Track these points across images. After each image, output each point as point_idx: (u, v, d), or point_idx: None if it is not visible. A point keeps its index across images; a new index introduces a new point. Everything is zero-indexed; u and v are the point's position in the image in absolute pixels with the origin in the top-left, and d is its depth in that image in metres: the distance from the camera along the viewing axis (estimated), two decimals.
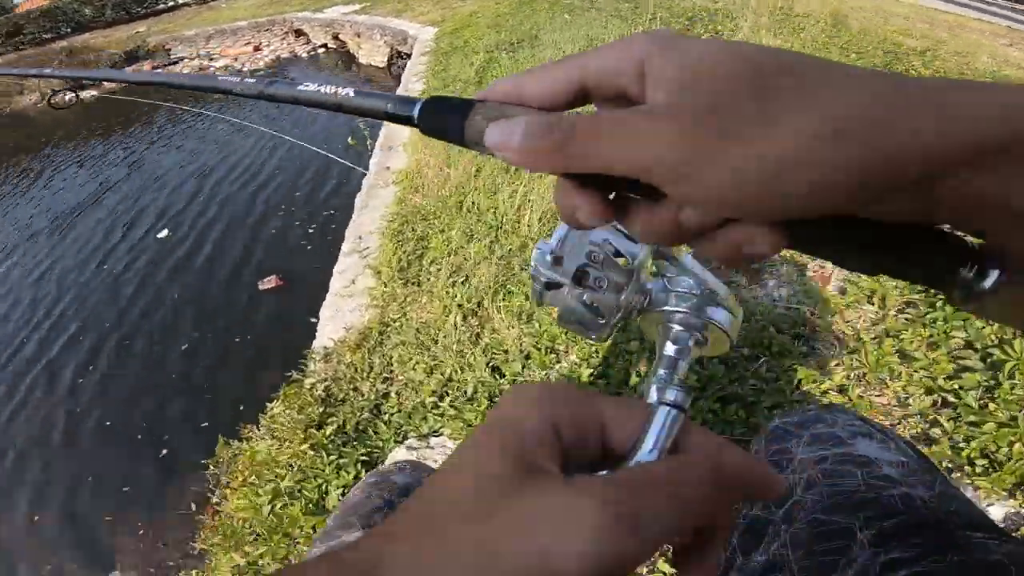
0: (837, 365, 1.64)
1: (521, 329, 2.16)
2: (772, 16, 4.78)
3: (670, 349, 0.33)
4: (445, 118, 0.26)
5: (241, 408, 3.51)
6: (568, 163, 0.22)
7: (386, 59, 9.44)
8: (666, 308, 0.35)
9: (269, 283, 4.53)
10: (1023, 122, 0.17)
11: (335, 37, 11.69)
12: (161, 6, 17.90)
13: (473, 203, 2.97)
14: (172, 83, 0.69)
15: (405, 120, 0.28)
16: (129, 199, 7.11)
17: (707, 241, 0.23)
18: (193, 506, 3.09)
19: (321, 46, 12.29)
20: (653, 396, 0.30)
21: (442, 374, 2.10)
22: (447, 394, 2.01)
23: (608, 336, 0.37)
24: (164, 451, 3.57)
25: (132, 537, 3.23)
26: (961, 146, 0.17)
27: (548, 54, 5.12)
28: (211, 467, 3.06)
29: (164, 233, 5.84)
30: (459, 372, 2.07)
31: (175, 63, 13.86)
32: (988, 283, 0.21)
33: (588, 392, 0.26)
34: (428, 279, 2.66)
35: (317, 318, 3.82)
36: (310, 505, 1.79)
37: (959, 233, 0.22)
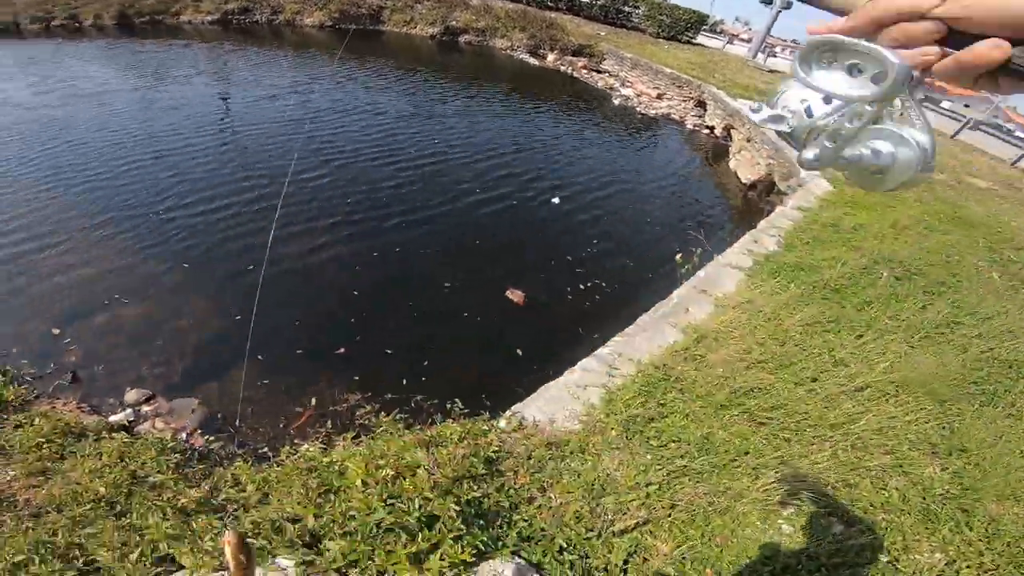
0: None
1: None
2: None
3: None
4: None
5: (424, 363, 3.94)
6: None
7: (754, 179, 9.16)
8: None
9: (515, 295, 4.89)
10: None
11: (727, 128, 11.84)
12: (628, 23, 20.40)
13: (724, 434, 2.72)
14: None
15: None
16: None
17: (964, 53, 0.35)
18: (313, 401, 3.43)
19: (708, 128, 12.64)
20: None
21: (578, 519, 2.08)
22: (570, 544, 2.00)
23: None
24: (342, 349, 3.95)
25: (243, 388, 3.42)
26: None
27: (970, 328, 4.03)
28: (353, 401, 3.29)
29: (556, 200, 7.07)
30: (592, 540, 2.03)
31: (599, 71, 16.12)
32: None
33: None
34: (642, 444, 2.60)
35: (520, 352, 4.20)
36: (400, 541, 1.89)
37: None
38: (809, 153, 0.43)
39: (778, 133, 0.48)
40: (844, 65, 0.40)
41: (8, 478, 2.36)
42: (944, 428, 2.95)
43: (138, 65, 9.83)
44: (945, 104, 16.70)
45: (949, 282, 4.73)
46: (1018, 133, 16.33)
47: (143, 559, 1.86)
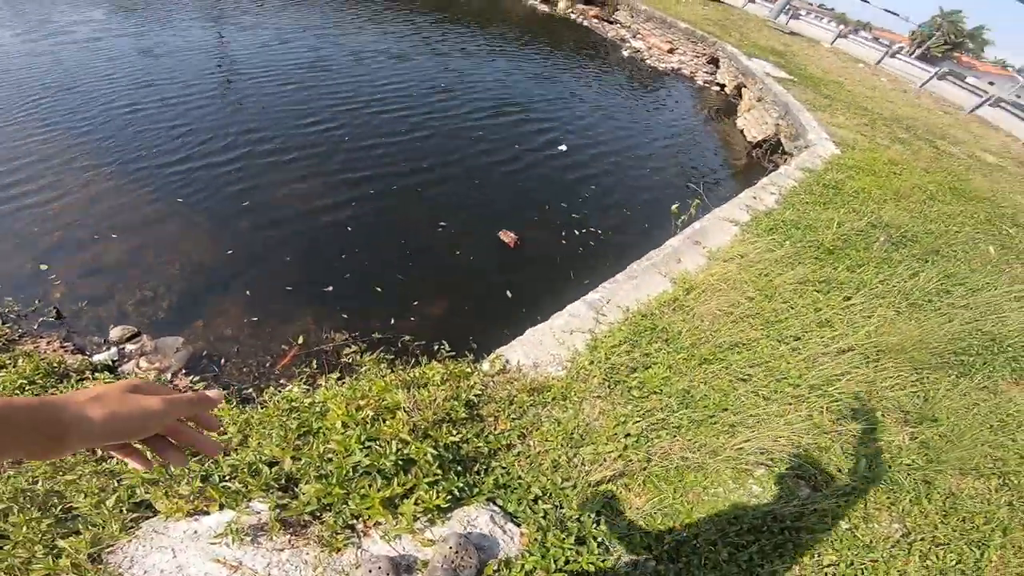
0: None
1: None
2: None
3: None
4: None
5: (414, 303, 3.81)
6: None
7: (761, 138, 8.90)
8: None
9: (508, 237, 4.76)
10: None
11: (738, 87, 11.39)
12: None
13: (703, 384, 2.69)
14: None
15: None
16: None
17: None
18: (300, 339, 3.31)
19: (719, 85, 12.15)
20: None
21: (555, 468, 2.04)
22: (546, 493, 1.95)
23: None
24: (330, 287, 3.81)
25: (229, 326, 3.31)
26: None
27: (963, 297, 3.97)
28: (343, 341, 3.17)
29: (563, 147, 6.99)
30: (563, 486, 1.99)
31: (611, 22, 15.32)
32: None
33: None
34: (624, 394, 2.53)
35: (510, 294, 4.10)
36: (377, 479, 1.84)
37: None
38: None
39: None
40: None
41: None
42: (918, 396, 2.88)
43: (134, 8, 9.14)
44: (970, 80, 16.01)
45: (944, 252, 4.59)
46: None
47: (120, 504, 1.79)
